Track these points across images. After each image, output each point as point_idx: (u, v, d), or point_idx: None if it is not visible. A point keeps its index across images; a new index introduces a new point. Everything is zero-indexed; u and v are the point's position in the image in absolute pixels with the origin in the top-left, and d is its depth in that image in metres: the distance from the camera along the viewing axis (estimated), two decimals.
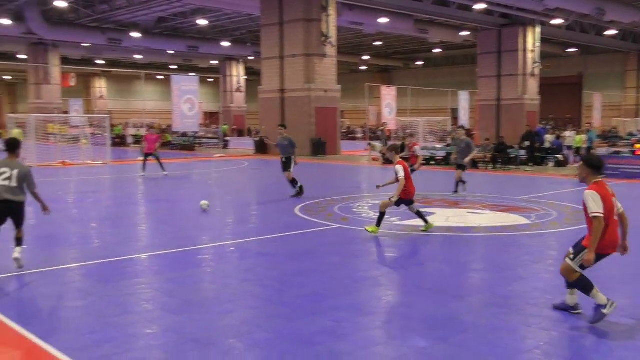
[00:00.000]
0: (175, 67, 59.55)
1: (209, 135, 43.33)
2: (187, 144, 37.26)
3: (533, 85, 39.79)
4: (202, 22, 38.96)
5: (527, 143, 24.52)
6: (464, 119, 38.90)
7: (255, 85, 36.90)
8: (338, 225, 11.15)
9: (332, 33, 29.99)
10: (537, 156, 24.40)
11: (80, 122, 35.85)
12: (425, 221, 10.28)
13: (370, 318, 6.10)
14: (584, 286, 5.73)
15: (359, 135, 51.19)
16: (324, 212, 12.68)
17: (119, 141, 39.88)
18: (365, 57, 56.08)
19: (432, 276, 7.78)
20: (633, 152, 23.07)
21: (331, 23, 29.83)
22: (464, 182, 15.55)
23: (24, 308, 6.25)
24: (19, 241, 7.80)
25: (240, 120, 58.14)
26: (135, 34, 40.66)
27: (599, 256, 5.66)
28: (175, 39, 45.52)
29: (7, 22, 35.92)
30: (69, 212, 13.19)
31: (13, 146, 7.69)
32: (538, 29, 39.00)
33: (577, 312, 6.01)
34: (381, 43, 50.00)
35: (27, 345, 5.20)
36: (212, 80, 66.17)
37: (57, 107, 46.64)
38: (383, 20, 35.11)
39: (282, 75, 31.00)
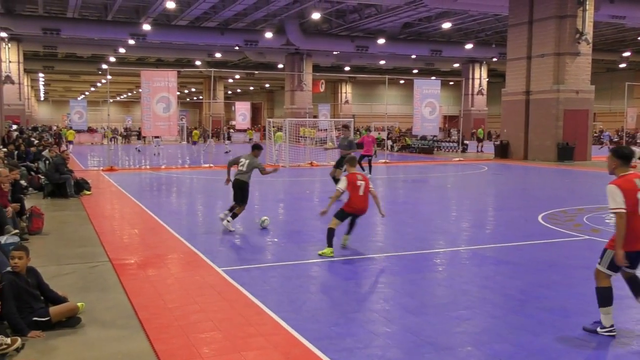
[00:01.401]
0: (417, 71, 60.38)
1: (448, 139, 43.10)
2: (426, 147, 37.51)
3: None
4: (446, 25, 38.89)
5: None
6: None
7: (497, 87, 35.71)
8: (587, 237, 10.24)
9: (588, 29, 27.70)
10: None
11: (327, 125, 38.28)
12: (329, 244, 8.80)
13: (627, 340, 5.48)
14: (602, 298, 5.51)
15: (615, 140, 46.49)
16: (571, 221, 11.76)
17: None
18: (626, 54, 50.66)
19: None
20: None
21: (588, 18, 27.56)
22: None
23: (278, 296, 6.85)
24: (234, 215, 10.73)
25: (480, 124, 56.73)
26: (381, 40, 42.14)
27: (633, 254, 5.35)
28: (418, 44, 46.14)
29: (269, 35, 39.97)
30: (315, 210, 14.15)
31: (257, 147, 11.02)
32: None
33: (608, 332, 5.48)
34: None
35: (281, 331, 5.69)
36: (452, 83, 65.72)
37: (308, 112, 50.53)
38: None
39: (528, 77, 29.56)
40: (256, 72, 56.08)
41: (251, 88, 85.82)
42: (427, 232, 11.10)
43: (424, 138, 38.32)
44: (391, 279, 7.73)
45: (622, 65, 56.41)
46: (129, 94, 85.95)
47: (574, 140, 28.15)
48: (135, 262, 8.37)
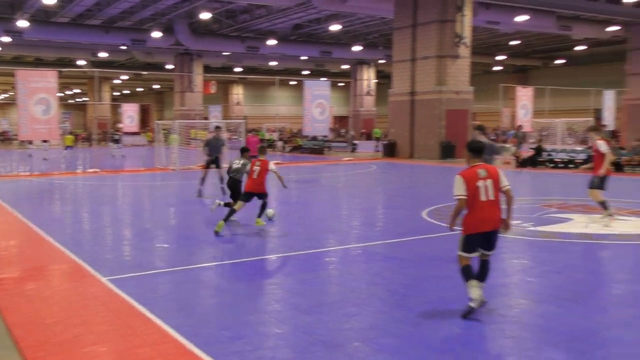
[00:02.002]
0: (308, 72, 61.09)
1: (339, 139, 43.94)
2: (317, 148, 38.06)
3: None
4: (336, 27, 39.63)
5: None
6: (609, 119, 36.31)
7: (385, 88, 36.88)
8: None
9: (467, 33, 29.28)
10: None
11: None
12: (227, 218, 10.56)
13: (500, 327, 5.87)
14: (464, 274, 6.11)
15: (492, 138, 49.41)
16: None
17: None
18: (500, 57, 54.03)
19: (570, 286, 7.31)
20: None
21: (466, 23, 29.13)
22: None
23: (166, 303, 6.70)
24: (228, 204, 11.51)
25: (369, 124, 58.38)
26: (272, 41, 42.25)
27: (474, 236, 6.05)
28: (309, 45, 46.69)
29: (158, 34, 38.87)
30: (206, 214, 13.97)
31: (247, 150, 11.85)
32: None
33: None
34: (518, 42, 47.93)
35: (169, 339, 5.56)
36: (342, 84, 67.12)
37: (199, 114, 49.66)
38: (522, 17, 33.59)
39: (412, 78, 30.77)
40: (144, 72, 54.38)
41: (139, 89, 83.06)
42: (318, 232, 11.27)
43: (314, 138, 38.86)
44: (283, 279, 7.79)
45: (497, 68, 60.18)
46: (5, 95, 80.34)
47: (455, 139, 29.64)
48: (11, 277, 7.85)
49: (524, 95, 32.78)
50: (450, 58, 29.33)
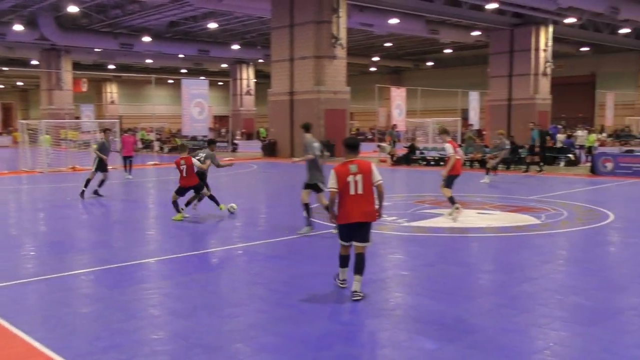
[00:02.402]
0: (186, 71, 59.78)
1: (220, 139, 43.36)
2: (197, 148, 37.25)
3: (545, 85, 39.52)
4: (213, 25, 39.07)
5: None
6: (475, 119, 38.76)
7: (265, 88, 36.92)
8: None
9: (342, 35, 29.97)
10: (548, 156, 24.16)
11: (91, 127, 36.05)
12: (178, 210, 11.91)
13: (377, 320, 6.06)
14: (340, 261, 6.82)
15: (369, 137, 51.07)
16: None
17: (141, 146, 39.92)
18: (375, 59, 55.93)
19: (440, 277, 7.71)
20: None
21: (341, 25, 29.80)
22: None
23: (32, 315, 6.26)
24: (199, 198, 12.44)
25: (250, 124, 58.20)
26: (147, 39, 40.87)
27: (343, 227, 6.57)
28: (186, 43, 45.68)
29: (20, 28, 36.25)
30: (78, 218, 13.27)
31: (212, 142, 13.44)
32: (551, 28, 38.72)
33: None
34: (391, 44, 49.90)
35: (33, 353, 5.20)
36: (222, 83, 66.35)
37: (69, 113, 46.96)
38: (394, 21, 35.01)
39: (291, 78, 31.03)
40: (5, 68, 50.55)
41: (0, 86, 77.09)
42: (199, 233, 11.06)
43: (194, 138, 38.03)
44: (160, 283, 7.54)
45: (373, 69, 62.30)
46: None
47: (334, 138, 30.26)
48: None
49: (398, 96, 34.12)
50: (328, 58, 29.88)
